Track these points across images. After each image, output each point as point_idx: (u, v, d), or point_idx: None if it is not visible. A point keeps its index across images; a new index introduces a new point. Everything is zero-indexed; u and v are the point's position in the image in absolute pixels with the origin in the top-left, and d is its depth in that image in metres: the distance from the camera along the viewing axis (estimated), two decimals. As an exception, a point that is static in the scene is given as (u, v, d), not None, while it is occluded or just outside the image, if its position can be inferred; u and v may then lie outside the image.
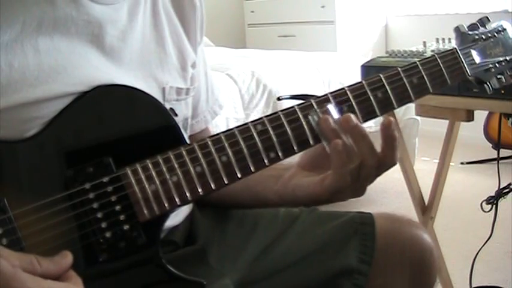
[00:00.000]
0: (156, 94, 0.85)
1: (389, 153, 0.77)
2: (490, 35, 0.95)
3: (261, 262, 0.93)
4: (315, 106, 0.79)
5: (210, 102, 1.04)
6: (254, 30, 4.79)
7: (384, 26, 4.42)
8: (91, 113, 0.76)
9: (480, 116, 2.26)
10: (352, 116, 0.77)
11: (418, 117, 2.70)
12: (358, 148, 0.76)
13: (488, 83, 0.94)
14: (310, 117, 0.78)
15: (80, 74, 0.76)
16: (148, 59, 0.86)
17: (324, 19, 4.23)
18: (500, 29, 0.96)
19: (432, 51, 1.52)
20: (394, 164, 0.78)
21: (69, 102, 0.74)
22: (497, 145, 2.05)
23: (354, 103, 0.80)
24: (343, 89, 0.81)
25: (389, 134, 0.77)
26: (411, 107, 2.38)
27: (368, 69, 1.60)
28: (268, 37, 4.58)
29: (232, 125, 0.78)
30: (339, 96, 0.80)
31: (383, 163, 0.78)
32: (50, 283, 0.64)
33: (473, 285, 1.84)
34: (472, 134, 3.13)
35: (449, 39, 1.48)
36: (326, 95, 0.80)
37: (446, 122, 1.77)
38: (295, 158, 0.84)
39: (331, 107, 0.79)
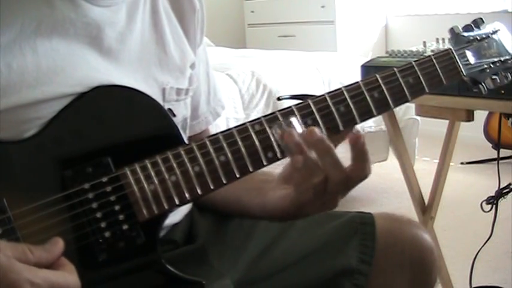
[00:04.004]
0: (156, 94, 0.85)
1: (359, 166, 0.75)
2: (484, 36, 0.96)
3: (261, 262, 0.93)
4: (280, 118, 0.77)
5: (211, 103, 1.04)
6: (254, 30, 4.79)
7: (383, 26, 4.42)
8: (90, 113, 0.76)
9: (480, 116, 2.26)
10: (317, 129, 0.74)
11: (418, 117, 2.69)
12: (322, 163, 0.74)
13: (483, 84, 0.95)
14: (273, 130, 0.76)
15: (78, 75, 0.77)
16: (147, 60, 0.86)
17: (324, 19, 4.23)
18: (494, 30, 0.98)
19: (432, 51, 1.51)
20: (366, 177, 0.76)
21: (68, 103, 0.75)
22: (497, 145, 2.06)
23: (350, 103, 0.81)
24: (340, 89, 0.81)
25: (358, 148, 0.75)
26: (411, 107, 2.38)
27: (368, 69, 1.60)
28: (268, 37, 4.58)
29: (232, 125, 0.78)
30: (336, 97, 0.80)
31: (353, 176, 0.75)
32: (46, 272, 0.64)
33: (473, 285, 1.84)
34: (472, 134, 3.13)
35: (449, 39, 1.48)
36: (323, 95, 0.80)
37: (446, 122, 1.77)
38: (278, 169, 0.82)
39: (295, 120, 0.77)
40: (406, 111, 2.72)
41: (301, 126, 0.76)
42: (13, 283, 0.61)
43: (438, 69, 0.88)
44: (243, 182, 0.77)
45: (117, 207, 0.72)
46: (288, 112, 0.77)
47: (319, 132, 0.74)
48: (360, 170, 0.75)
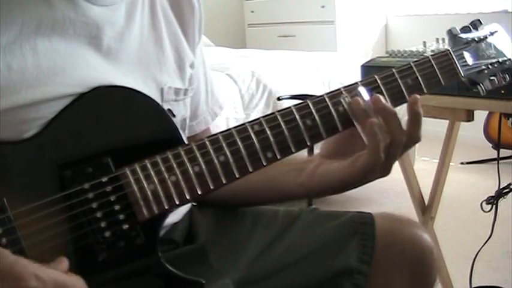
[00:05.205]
0: (155, 94, 0.85)
1: (414, 130, 0.81)
2: (482, 37, 0.97)
3: (261, 262, 0.93)
4: (344, 93, 0.82)
5: (209, 104, 1.04)
6: (254, 30, 4.79)
7: (384, 26, 4.42)
8: (89, 113, 0.76)
9: (480, 116, 2.26)
10: (381, 96, 0.80)
11: (418, 117, 2.69)
12: (388, 126, 0.79)
13: (481, 84, 0.95)
14: (341, 99, 0.81)
15: (78, 76, 0.77)
16: (146, 60, 0.86)
17: (324, 19, 4.23)
18: (492, 31, 0.98)
19: (432, 51, 1.52)
20: (419, 141, 0.83)
21: (68, 103, 0.75)
22: (497, 145, 2.06)
23: None
24: (339, 89, 0.82)
25: (415, 110, 0.81)
26: (411, 107, 2.37)
27: (368, 69, 1.60)
28: (268, 37, 4.58)
29: (232, 125, 0.78)
30: (335, 97, 0.81)
31: (409, 140, 0.81)
32: (53, 271, 0.65)
33: (473, 285, 1.84)
34: (472, 134, 3.13)
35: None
36: (322, 95, 0.81)
37: (446, 122, 1.77)
38: (304, 153, 0.86)
39: (362, 90, 0.82)
40: (406, 112, 2.71)
41: (368, 95, 0.81)
42: (18, 276, 0.62)
43: (436, 70, 0.89)
44: (275, 166, 0.80)
45: (117, 207, 0.73)
46: (351, 86, 0.82)
47: (383, 99, 0.80)
48: (415, 132, 0.82)
